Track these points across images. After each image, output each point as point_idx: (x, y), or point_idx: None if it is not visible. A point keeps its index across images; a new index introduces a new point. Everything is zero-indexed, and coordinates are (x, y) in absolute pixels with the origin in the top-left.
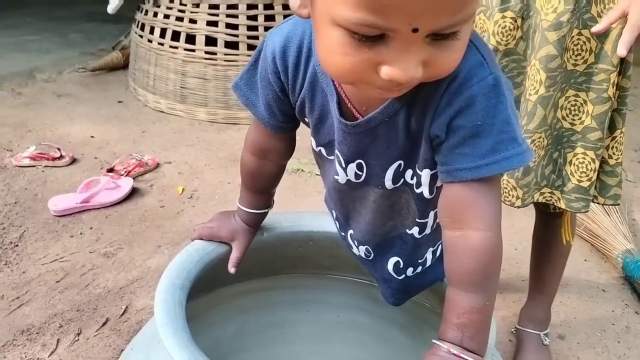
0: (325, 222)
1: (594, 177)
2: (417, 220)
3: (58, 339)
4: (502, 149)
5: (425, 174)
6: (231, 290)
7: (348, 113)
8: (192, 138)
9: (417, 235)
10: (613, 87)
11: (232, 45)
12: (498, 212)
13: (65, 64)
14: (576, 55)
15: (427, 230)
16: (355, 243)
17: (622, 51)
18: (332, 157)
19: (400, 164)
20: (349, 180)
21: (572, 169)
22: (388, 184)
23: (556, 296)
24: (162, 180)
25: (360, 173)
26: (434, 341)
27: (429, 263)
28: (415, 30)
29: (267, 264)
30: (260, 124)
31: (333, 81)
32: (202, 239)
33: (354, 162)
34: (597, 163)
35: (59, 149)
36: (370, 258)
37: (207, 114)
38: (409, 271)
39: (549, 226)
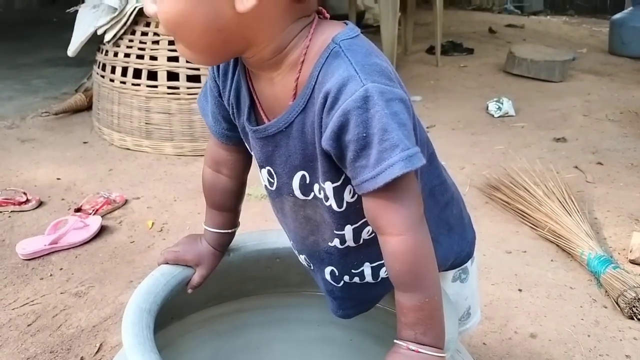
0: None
1: None
2: (335, 232)
3: None
4: (386, 157)
5: (328, 187)
6: (203, 315)
7: (260, 120)
8: (160, 172)
9: (340, 246)
10: None
11: (194, 78)
12: (410, 214)
13: (28, 109)
14: None
15: (350, 243)
16: (297, 252)
17: None
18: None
19: (304, 175)
20: (268, 189)
21: None
22: (297, 193)
23: (526, 297)
24: (131, 216)
25: (272, 180)
26: (395, 341)
27: (369, 279)
28: None
29: (237, 286)
30: (210, 134)
31: (249, 85)
32: (168, 263)
33: (265, 167)
34: None
35: (24, 193)
36: (312, 267)
37: (173, 148)
38: (346, 278)
39: None
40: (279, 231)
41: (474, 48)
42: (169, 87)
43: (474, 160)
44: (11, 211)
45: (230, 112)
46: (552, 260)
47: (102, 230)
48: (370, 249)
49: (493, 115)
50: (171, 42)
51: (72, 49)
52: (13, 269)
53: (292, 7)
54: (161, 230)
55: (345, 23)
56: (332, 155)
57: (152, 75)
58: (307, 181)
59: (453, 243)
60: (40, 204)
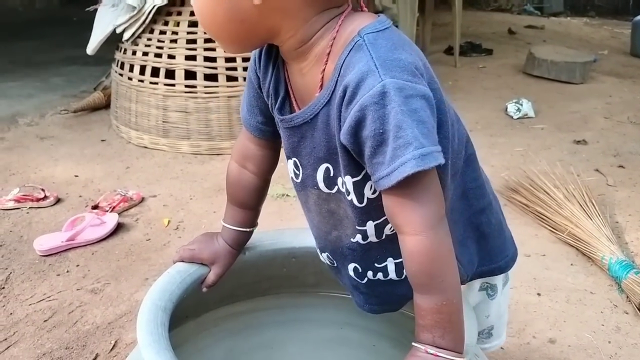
0: (307, 238)
1: None
2: (357, 227)
3: None
4: (400, 154)
5: (348, 181)
6: (218, 313)
7: (292, 109)
8: (177, 171)
9: (362, 242)
10: None
11: (211, 77)
12: (427, 213)
13: (47, 107)
14: None
15: (372, 238)
16: (319, 251)
17: None
18: None
19: (328, 168)
20: (292, 179)
21: None
22: (321, 185)
23: (545, 301)
24: (147, 214)
25: (298, 172)
26: (412, 344)
27: (392, 275)
28: None
29: (252, 285)
30: (243, 127)
31: (285, 74)
32: (183, 261)
33: (291, 159)
34: None
35: (42, 190)
36: (335, 265)
37: (190, 147)
38: (370, 274)
39: None
40: (295, 230)
41: (493, 49)
42: (186, 86)
43: (493, 162)
44: (29, 207)
45: (269, 104)
46: (572, 265)
47: (119, 228)
48: (394, 245)
49: (512, 117)
50: (189, 41)
51: (91, 47)
52: (30, 265)
53: None
54: (177, 228)
55: (378, 15)
56: (352, 150)
57: (170, 74)
58: (331, 174)
59: (483, 252)
60: (58, 200)
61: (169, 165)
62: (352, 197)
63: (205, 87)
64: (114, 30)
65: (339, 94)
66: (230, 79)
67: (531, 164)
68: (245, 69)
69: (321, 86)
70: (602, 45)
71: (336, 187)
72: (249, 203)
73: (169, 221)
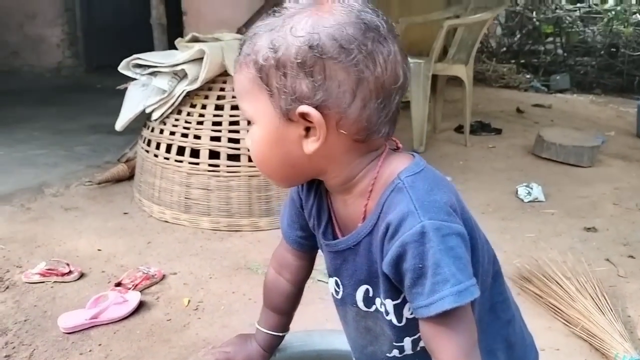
0: (334, 340)
1: None
2: (394, 343)
3: None
4: (438, 290)
5: (389, 304)
6: None
7: (334, 234)
8: (196, 247)
9: (398, 355)
10: None
11: (233, 157)
12: (461, 343)
13: (72, 177)
14: None
15: (408, 351)
16: None
17: None
18: None
19: (367, 289)
20: (334, 297)
21: None
22: (360, 304)
23: None
24: (168, 292)
25: (338, 290)
26: None
27: None
28: None
29: None
30: (282, 238)
31: (327, 202)
32: None
33: (333, 277)
34: None
35: (67, 265)
36: None
37: (210, 223)
38: None
39: None
40: (322, 332)
41: (502, 128)
42: (209, 165)
43: (505, 248)
44: (54, 282)
45: (311, 224)
46: None
47: (140, 306)
48: (428, 356)
49: (523, 200)
50: (215, 123)
51: (120, 124)
52: (54, 342)
53: (356, 145)
54: (197, 308)
55: (412, 155)
56: (391, 278)
57: (195, 153)
58: (370, 294)
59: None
60: (82, 275)
61: (189, 241)
62: (392, 317)
63: (227, 166)
64: (144, 109)
65: (382, 229)
66: (251, 159)
67: (542, 251)
68: None
69: (363, 218)
70: (609, 125)
71: (374, 307)
72: (283, 309)
73: (189, 301)
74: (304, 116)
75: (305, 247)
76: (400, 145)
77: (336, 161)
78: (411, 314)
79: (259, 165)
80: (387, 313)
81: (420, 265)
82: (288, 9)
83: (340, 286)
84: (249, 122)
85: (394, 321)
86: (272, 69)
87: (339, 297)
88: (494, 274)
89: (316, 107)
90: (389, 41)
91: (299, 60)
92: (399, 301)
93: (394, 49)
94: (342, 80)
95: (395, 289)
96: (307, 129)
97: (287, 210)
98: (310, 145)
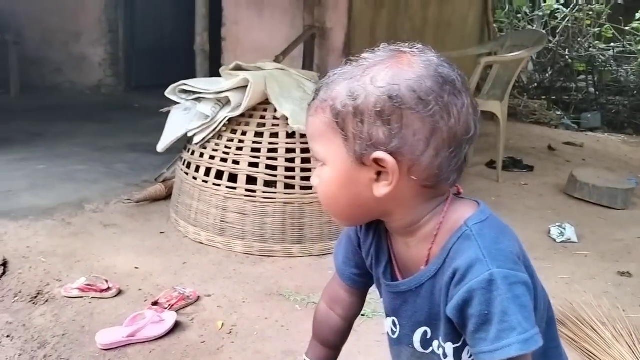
0: None
1: None
2: None
3: None
4: (504, 337)
5: (449, 347)
6: None
7: (394, 275)
8: (230, 270)
9: None
10: None
11: (270, 184)
12: None
13: (111, 194)
14: None
15: None
16: None
17: None
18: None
19: (426, 331)
20: (388, 334)
21: None
22: (417, 345)
23: None
24: (202, 314)
25: (395, 329)
26: None
27: None
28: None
29: None
30: (336, 275)
31: (388, 243)
32: None
33: (390, 317)
34: None
35: (106, 281)
36: None
37: (243, 247)
38: None
39: None
40: None
41: (534, 165)
42: (246, 190)
43: None
44: (92, 297)
45: (369, 263)
46: None
47: (175, 326)
48: None
49: (555, 240)
50: (254, 150)
51: (161, 146)
52: (91, 358)
53: (424, 191)
54: (230, 332)
55: (477, 202)
56: (454, 322)
57: (233, 178)
58: (428, 336)
59: None
60: (119, 292)
61: (223, 263)
62: (450, 359)
63: (264, 192)
64: (185, 132)
65: (449, 274)
66: (287, 186)
67: (576, 293)
68: (302, 178)
69: (427, 261)
70: None
71: (431, 349)
72: (332, 342)
73: (222, 324)
74: (377, 161)
75: (359, 284)
76: (462, 190)
77: (403, 205)
78: (470, 357)
79: (326, 204)
80: (446, 356)
81: (486, 312)
82: (367, 60)
83: (398, 326)
84: (315, 161)
85: None
86: (350, 116)
87: (395, 336)
88: (548, 320)
89: (390, 154)
90: (463, 94)
91: (377, 109)
92: (459, 344)
93: (467, 101)
94: (417, 130)
95: (456, 333)
96: (379, 173)
97: (343, 248)
98: (382, 189)
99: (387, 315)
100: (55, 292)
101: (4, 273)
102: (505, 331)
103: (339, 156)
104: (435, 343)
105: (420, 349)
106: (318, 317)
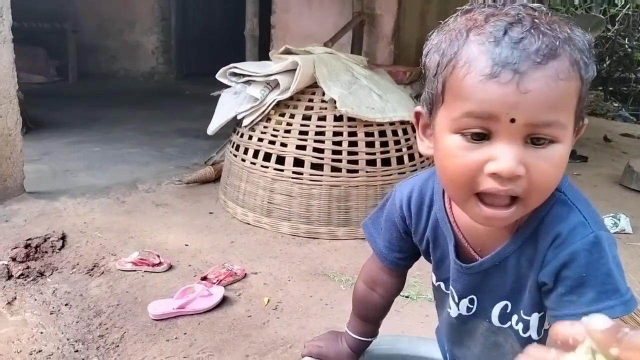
0: (420, 347)
1: None
2: None
3: None
4: (606, 299)
5: (534, 318)
6: None
7: (466, 254)
8: (276, 250)
9: None
10: None
11: (317, 166)
12: None
13: (163, 176)
14: None
15: None
16: None
17: None
18: (448, 292)
19: (506, 305)
20: (460, 314)
21: None
22: (494, 320)
23: None
24: (249, 290)
25: (472, 306)
26: None
27: None
28: (512, 121)
29: None
30: (377, 258)
31: (452, 226)
32: (311, 356)
33: (466, 297)
34: None
35: (158, 256)
36: None
37: (290, 228)
38: None
39: None
40: (410, 338)
41: (588, 156)
42: (293, 172)
43: None
44: (144, 271)
45: (423, 247)
46: None
47: (223, 301)
48: None
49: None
50: (301, 132)
51: (211, 129)
52: (143, 327)
53: None
54: (276, 308)
55: None
56: (544, 287)
57: (280, 160)
58: (508, 310)
59: None
60: (170, 267)
61: (269, 243)
62: (532, 332)
63: (310, 174)
64: (235, 115)
65: (547, 240)
66: (334, 169)
67: (631, 284)
68: (349, 161)
69: (515, 231)
70: None
71: (509, 323)
72: (373, 318)
73: (268, 300)
74: (582, 129)
75: (401, 267)
76: None
77: None
78: (549, 324)
79: (549, 191)
80: (526, 329)
81: (584, 274)
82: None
83: (475, 302)
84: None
85: (534, 336)
86: (588, 81)
87: (470, 313)
88: None
89: None
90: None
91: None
92: (543, 313)
93: None
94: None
95: (541, 302)
96: None
97: (383, 234)
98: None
99: (461, 297)
100: (110, 265)
101: (63, 246)
102: (607, 292)
103: (569, 130)
104: (515, 317)
105: (497, 324)
106: (358, 296)
